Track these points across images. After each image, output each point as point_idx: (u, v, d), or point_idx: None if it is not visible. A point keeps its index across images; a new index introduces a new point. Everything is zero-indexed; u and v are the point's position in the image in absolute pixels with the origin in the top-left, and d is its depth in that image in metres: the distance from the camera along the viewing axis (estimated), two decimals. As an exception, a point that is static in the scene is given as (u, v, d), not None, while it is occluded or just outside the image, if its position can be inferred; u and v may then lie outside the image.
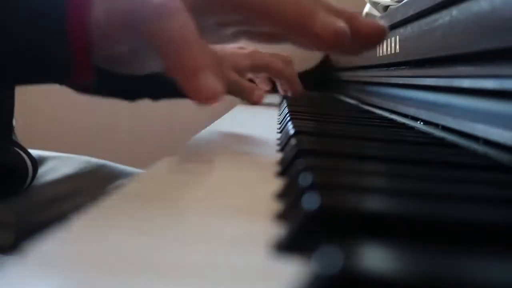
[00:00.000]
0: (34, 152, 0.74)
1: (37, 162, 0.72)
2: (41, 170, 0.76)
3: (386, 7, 0.81)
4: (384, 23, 0.35)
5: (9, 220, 0.68)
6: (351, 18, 0.34)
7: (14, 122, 0.72)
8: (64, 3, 0.32)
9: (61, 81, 0.37)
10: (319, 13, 0.33)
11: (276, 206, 0.22)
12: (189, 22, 0.31)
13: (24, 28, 0.33)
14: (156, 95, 0.56)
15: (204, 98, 0.30)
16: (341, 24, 0.33)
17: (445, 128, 0.43)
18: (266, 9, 0.33)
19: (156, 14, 0.31)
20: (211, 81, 0.30)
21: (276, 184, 0.26)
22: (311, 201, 0.18)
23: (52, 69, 0.35)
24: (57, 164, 0.78)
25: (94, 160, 0.82)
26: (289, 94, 0.88)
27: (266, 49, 0.78)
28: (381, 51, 0.72)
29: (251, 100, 0.79)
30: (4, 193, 0.69)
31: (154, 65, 0.37)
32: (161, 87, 0.53)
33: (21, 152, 0.71)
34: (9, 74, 0.35)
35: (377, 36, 0.35)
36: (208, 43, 0.34)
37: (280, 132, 0.48)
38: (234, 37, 0.40)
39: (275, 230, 0.19)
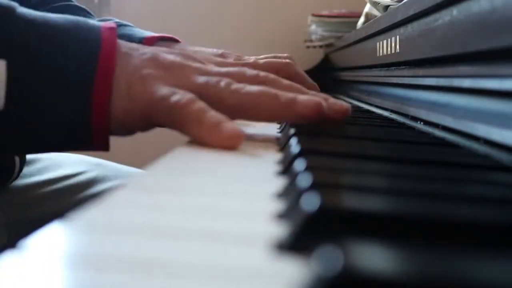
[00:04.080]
0: None
1: (25, 159, 0.71)
2: (36, 167, 0.75)
3: (386, 7, 0.81)
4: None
5: (0, 219, 0.67)
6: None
7: None
8: (88, 103, 0.38)
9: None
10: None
11: (276, 206, 0.22)
12: (200, 103, 0.38)
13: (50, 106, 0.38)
14: None
15: (228, 138, 0.36)
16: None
17: (445, 128, 0.43)
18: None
19: (172, 110, 0.37)
20: (231, 126, 0.36)
21: (276, 184, 0.26)
22: (311, 201, 0.18)
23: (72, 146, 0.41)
24: (51, 163, 0.77)
25: (90, 159, 0.81)
26: None
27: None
28: (381, 51, 0.72)
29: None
30: None
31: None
32: None
33: None
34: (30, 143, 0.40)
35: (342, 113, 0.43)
36: None
37: (280, 132, 0.48)
38: None
39: (275, 230, 0.19)
